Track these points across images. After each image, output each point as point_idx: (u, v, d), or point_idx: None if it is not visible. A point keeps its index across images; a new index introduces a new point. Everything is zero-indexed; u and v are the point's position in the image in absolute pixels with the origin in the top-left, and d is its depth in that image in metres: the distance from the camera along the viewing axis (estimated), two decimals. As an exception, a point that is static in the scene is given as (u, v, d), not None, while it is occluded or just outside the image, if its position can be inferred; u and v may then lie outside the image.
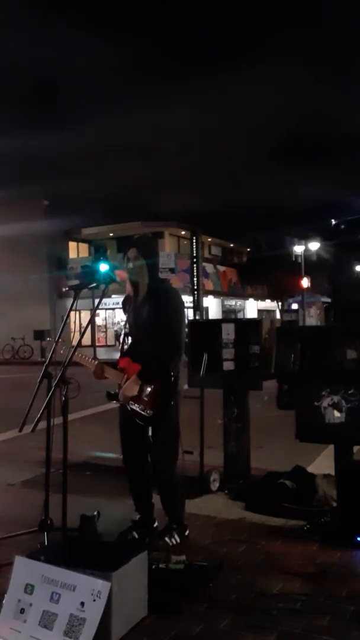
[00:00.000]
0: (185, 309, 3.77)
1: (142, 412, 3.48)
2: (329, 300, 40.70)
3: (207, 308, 37.07)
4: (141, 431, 3.55)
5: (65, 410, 3.29)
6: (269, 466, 4.91)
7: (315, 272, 36.67)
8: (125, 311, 3.83)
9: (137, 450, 3.67)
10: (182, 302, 3.74)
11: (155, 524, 3.77)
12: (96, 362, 3.70)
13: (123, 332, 3.81)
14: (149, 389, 3.48)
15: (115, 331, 36.44)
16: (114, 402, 3.69)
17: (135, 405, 3.50)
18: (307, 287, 34.79)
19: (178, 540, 3.56)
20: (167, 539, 3.53)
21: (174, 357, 3.50)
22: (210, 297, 38.23)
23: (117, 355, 3.79)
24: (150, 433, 3.54)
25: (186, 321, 3.71)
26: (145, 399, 3.47)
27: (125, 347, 3.76)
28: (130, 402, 3.52)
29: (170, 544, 3.49)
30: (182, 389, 3.66)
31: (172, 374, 3.48)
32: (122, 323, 4.10)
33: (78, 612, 2.45)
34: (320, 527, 3.76)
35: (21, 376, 15.10)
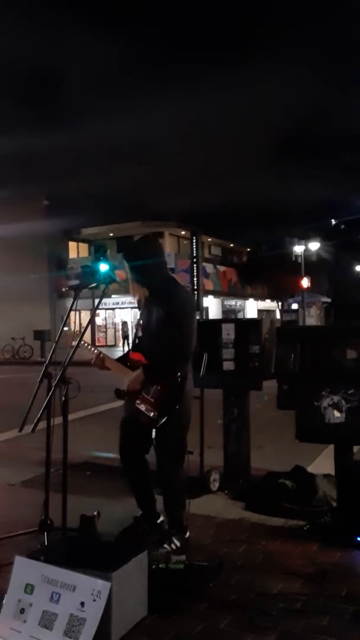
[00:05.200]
0: (195, 309, 3.70)
1: (147, 413, 3.45)
2: (329, 300, 40.70)
3: (207, 308, 37.09)
4: (143, 431, 3.53)
5: (65, 410, 3.30)
6: (269, 466, 4.92)
7: (315, 272, 36.69)
8: (139, 309, 3.83)
9: (136, 449, 3.66)
10: (190, 302, 3.68)
11: (160, 519, 3.74)
12: (97, 352, 3.68)
13: (134, 331, 3.80)
14: (154, 389, 3.44)
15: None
16: (123, 399, 3.66)
17: (142, 405, 3.47)
18: (307, 287, 34.80)
19: (178, 544, 3.51)
20: (166, 545, 3.47)
21: (178, 361, 3.46)
22: (210, 297, 38.24)
23: (117, 355, 3.77)
24: (153, 435, 3.51)
25: (195, 321, 3.61)
26: (152, 399, 3.45)
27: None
28: (137, 401, 3.49)
29: (170, 549, 3.46)
30: (191, 390, 3.62)
31: (178, 376, 3.44)
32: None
33: (78, 612, 2.45)
34: (320, 527, 3.76)
35: (21, 376, 15.09)
